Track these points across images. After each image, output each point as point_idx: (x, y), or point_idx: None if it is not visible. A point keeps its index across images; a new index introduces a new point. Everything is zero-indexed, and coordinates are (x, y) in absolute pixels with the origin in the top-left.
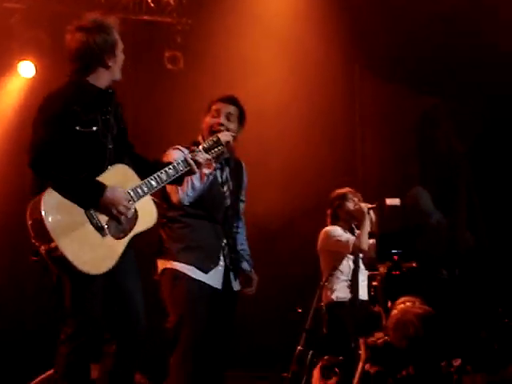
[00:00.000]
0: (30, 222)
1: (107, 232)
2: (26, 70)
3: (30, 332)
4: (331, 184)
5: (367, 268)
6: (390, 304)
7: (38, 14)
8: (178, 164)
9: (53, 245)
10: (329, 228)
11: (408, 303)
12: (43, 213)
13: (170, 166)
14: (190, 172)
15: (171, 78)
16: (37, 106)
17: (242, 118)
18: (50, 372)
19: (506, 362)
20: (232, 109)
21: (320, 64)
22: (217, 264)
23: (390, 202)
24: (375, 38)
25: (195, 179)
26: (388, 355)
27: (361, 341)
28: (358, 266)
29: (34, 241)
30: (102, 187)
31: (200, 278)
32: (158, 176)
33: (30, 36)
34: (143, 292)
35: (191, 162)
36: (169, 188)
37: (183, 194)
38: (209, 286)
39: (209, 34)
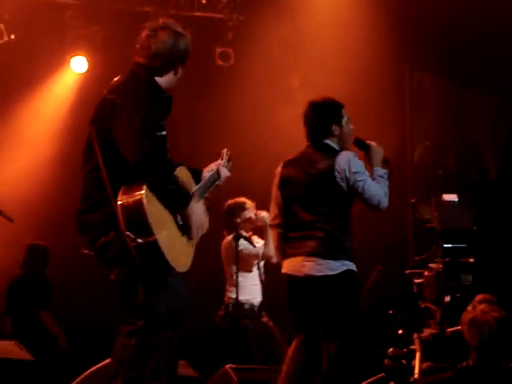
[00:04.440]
0: (123, 216)
1: (184, 232)
2: (79, 65)
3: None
4: None
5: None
6: (447, 299)
7: (91, 9)
8: (215, 173)
9: (151, 238)
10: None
11: (487, 303)
12: (145, 206)
13: (213, 174)
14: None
15: (221, 74)
16: (89, 102)
17: None
18: (104, 363)
19: None
20: None
21: (370, 63)
22: None
23: (447, 197)
24: (426, 36)
25: (384, 185)
26: (437, 348)
27: (415, 336)
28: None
29: (127, 233)
30: (188, 198)
31: None
32: (207, 182)
33: (83, 32)
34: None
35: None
36: (370, 192)
37: (386, 199)
38: None
39: (260, 31)
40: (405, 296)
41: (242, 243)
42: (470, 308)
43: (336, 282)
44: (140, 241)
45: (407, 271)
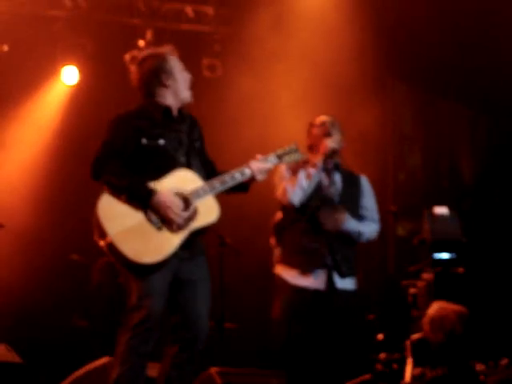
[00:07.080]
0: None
1: (163, 226)
2: (70, 76)
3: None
4: None
5: None
6: None
7: (81, 21)
8: (244, 169)
9: (108, 239)
10: None
11: (443, 303)
12: (99, 211)
13: (238, 170)
14: (254, 179)
15: (209, 85)
16: (80, 113)
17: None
18: (105, 360)
19: None
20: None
21: (353, 76)
22: None
23: (438, 210)
24: (408, 49)
25: (302, 178)
26: (423, 353)
27: (408, 342)
28: None
29: (96, 239)
30: (151, 191)
31: None
32: (223, 178)
33: (74, 43)
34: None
35: (255, 169)
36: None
37: (293, 193)
38: None
39: (247, 43)
40: (398, 305)
41: None
42: (428, 312)
43: None
44: (102, 243)
45: (404, 282)
